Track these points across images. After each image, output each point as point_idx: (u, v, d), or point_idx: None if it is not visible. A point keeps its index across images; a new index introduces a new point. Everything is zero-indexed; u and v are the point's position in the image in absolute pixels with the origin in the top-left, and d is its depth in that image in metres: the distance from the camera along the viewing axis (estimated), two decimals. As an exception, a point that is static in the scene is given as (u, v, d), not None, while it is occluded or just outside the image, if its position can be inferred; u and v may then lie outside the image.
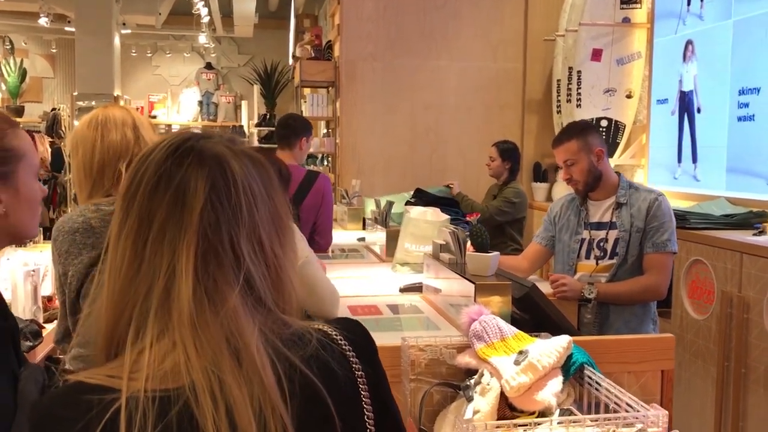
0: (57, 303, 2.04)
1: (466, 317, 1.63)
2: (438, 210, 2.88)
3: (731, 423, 2.98)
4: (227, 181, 0.83)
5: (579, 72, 4.96)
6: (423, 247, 2.73)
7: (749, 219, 3.36)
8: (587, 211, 2.74)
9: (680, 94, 4.28)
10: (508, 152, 4.47)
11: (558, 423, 1.32)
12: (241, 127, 10.79)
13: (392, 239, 3.07)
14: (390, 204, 3.38)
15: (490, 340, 1.58)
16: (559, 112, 5.35)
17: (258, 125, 9.72)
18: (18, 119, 7.78)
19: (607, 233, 2.67)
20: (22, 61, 10.29)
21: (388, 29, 5.50)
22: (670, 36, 4.41)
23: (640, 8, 4.90)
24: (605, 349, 1.70)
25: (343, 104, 5.53)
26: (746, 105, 3.63)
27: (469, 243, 2.12)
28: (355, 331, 0.91)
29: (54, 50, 10.82)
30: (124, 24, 9.67)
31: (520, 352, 1.49)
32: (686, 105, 4.22)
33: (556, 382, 1.45)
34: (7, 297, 2.25)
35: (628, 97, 4.97)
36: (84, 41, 8.64)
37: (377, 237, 3.46)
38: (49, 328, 2.48)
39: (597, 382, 1.46)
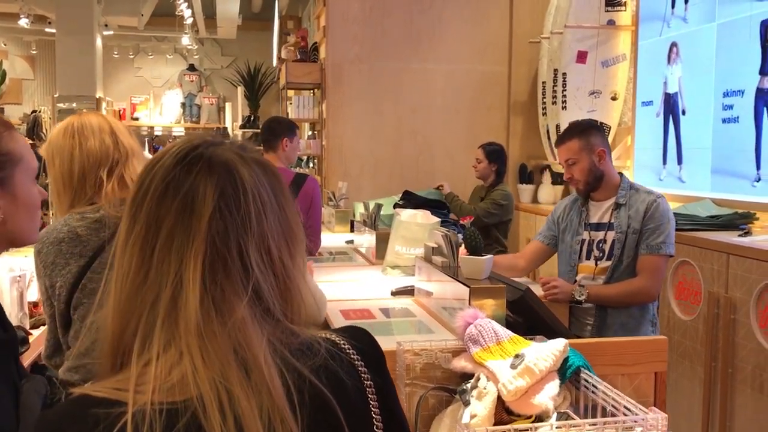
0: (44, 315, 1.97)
1: (461, 321, 1.62)
2: (428, 213, 2.88)
3: (719, 423, 3.00)
4: (236, 189, 0.81)
5: (564, 74, 4.99)
6: (413, 249, 2.73)
7: (735, 220, 3.39)
8: (587, 211, 2.75)
9: (665, 96, 4.31)
10: (495, 154, 4.47)
11: (557, 427, 1.31)
12: (225, 129, 10.74)
13: (382, 242, 3.06)
14: (379, 206, 3.37)
15: (486, 344, 1.58)
16: (544, 114, 5.38)
17: (242, 127, 9.67)
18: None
19: (605, 234, 2.67)
20: (1, 62, 10.18)
21: (374, 31, 5.50)
22: (655, 38, 4.44)
23: (625, 11, 4.93)
24: (600, 351, 1.70)
25: (329, 106, 5.51)
26: (730, 107, 3.66)
27: (461, 246, 2.12)
28: (362, 340, 0.90)
29: (34, 51, 10.70)
30: (106, 25, 9.58)
31: (517, 356, 1.49)
32: (671, 107, 4.25)
33: (553, 386, 1.45)
34: (-7, 303, 2.21)
35: (613, 99, 5.00)
36: (65, 42, 8.54)
37: (366, 239, 3.45)
38: (36, 334, 2.44)
39: (594, 385, 1.46)
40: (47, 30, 9.61)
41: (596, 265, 2.68)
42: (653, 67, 4.46)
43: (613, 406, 1.38)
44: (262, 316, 0.81)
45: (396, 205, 3.51)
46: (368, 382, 0.86)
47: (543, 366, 1.45)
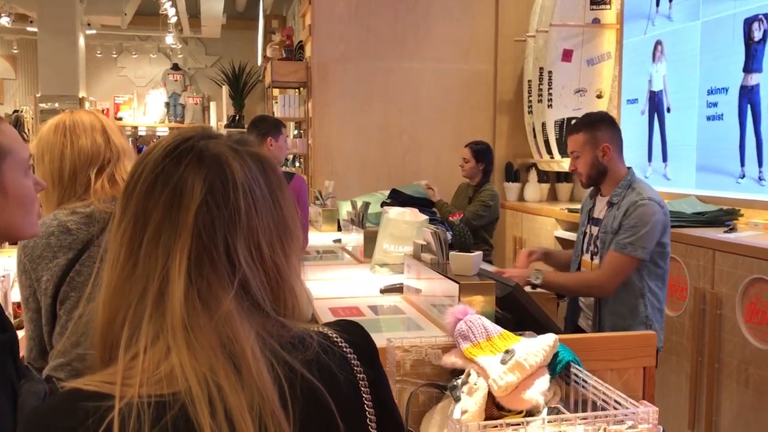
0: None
1: (451, 317, 1.62)
2: (416, 210, 2.88)
3: (705, 417, 3.03)
4: (226, 183, 0.80)
5: (550, 72, 5.01)
6: (402, 247, 2.73)
7: (720, 217, 3.42)
8: (593, 205, 2.74)
9: (650, 94, 4.34)
10: (482, 153, 4.47)
11: (549, 422, 1.31)
12: (211, 128, 10.68)
13: (370, 240, 3.05)
14: (366, 205, 3.37)
15: (476, 340, 1.58)
16: (530, 112, 5.39)
17: (227, 126, 9.62)
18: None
19: (598, 230, 2.66)
20: (-18, 62, 10.06)
21: (360, 30, 5.49)
22: (640, 36, 4.47)
23: (610, 9, 4.96)
24: (589, 346, 1.70)
25: (315, 105, 5.50)
26: (715, 104, 3.69)
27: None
28: (355, 333, 0.90)
29: (15, 51, 10.60)
30: (88, 24, 9.51)
31: (507, 352, 1.49)
32: (656, 105, 4.28)
33: (544, 381, 1.45)
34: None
35: (599, 97, 5.02)
36: (47, 42, 8.47)
37: (353, 238, 3.44)
38: (21, 334, 2.41)
39: (584, 380, 1.46)
40: (29, 29, 9.51)
41: (591, 260, 2.68)
42: (638, 65, 4.49)
43: (603, 400, 1.38)
44: (250, 310, 0.80)
45: (384, 204, 3.51)
46: (361, 375, 0.85)
47: (533, 361, 1.45)
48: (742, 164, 3.47)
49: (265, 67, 6.96)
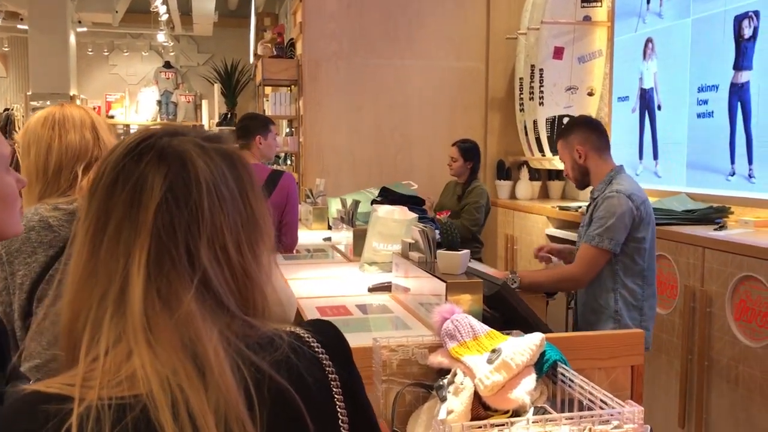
0: None
1: (438, 316, 1.61)
2: (406, 209, 2.86)
3: (695, 415, 3.02)
4: (188, 181, 0.79)
5: (541, 70, 5.00)
6: (391, 246, 2.71)
7: (710, 214, 3.42)
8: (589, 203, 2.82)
9: (641, 92, 4.34)
10: (470, 152, 4.46)
11: (534, 422, 1.30)
12: (202, 126, 10.66)
13: (359, 238, 3.03)
14: (356, 203, 3.35)
15: (463, 339, 1.57)
16: (522, 110, 5.39)
17: (219, 124, 9.60)
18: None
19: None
20: (-28, 60, 10.01)
21: (352, 28, 5.47)
22: (631, 34, 4.47)
23: (601, 6, 4.95)
24: (577, 345, 1.70)
25: (306, 103, 5.48)
26: (705, 102, 3.69)
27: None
28: (328, 334, 0.88)
29: (6, 48, 10.54)
30: (79, 22, 9.46)
31: (493, 351, 1.48)
32: (647, 102, 4.28)
33: (530, 380, 1.44)
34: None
35: (590, 94, 5.02)
36: (38, 39, 8.42)
37: (343, 236, 3.42)
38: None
39: (570, 380, 1.45)
40: (20, 27, 9.46)
41: None
42: (629, 63, 4.49)
43: (589, 400, 1.38)
44: (213, 310, 0.79)
45: (374, 202, 3.49)
46: (333, 376, 0.84)
47: (520, 360, 1.44)
48: (732, 162, 3.47)
49: (256, 64, 6.94)
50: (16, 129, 8.20)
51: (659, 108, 4.15)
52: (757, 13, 3.32)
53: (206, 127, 10.56)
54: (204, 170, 0.80)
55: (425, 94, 5.60)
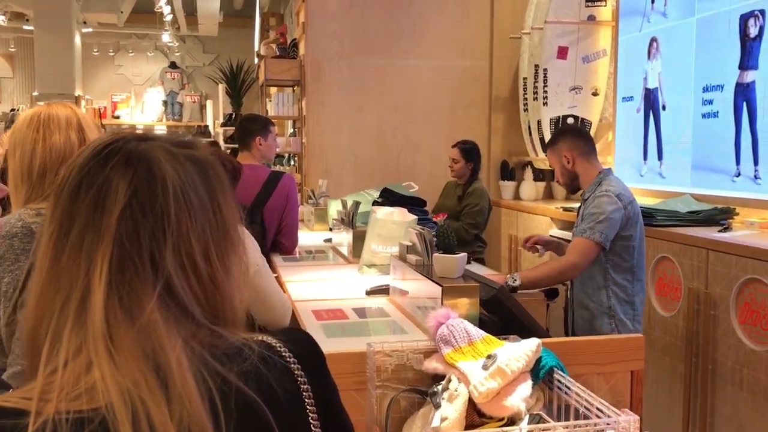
0: None
1: (433, 321, 1.58)
2: (405, 210, 2.84)
3: (699, 419, 2.99)
4: (154, 186, 0.77)
5: (545, 70, 4.96)
6: (390, 248, 2.68)
7: (714, 215, 3.38)
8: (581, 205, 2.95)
9: (645, 92, 4.30)
10: (471, 153, 4.44)
11: (527, 431, 1.28)
12: (207, 126, 10.67)
13: (359, 240, 3.01)
14: (356, 204, 3.33)
15: (458, 345, 1.54)
16: (525, 110, 5.35)
17: (224, 125, 9.60)
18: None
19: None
20: (-22, 60, 10.04)
21: (354, 27, 5.44)
22: (635, 33, 4.42)
23: (605, 6, 4.91)
24: (575, 350, 1.67)
25: (308, 103, 5.46)
26: (710, 102, 3.65)
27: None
28: (300, 343, 0.86)
29: (13, 49, 10.58)
30: (84, 22, 9.48)
31: (489, 357, 1.45)
32: (651, 102, 4.23)
33: (526, 387, 1.41)
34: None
35: (594, 94, 4.98)
36: (43, 40, 8.44)
37: (343, 238, 3.40)
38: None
39: (567, 386, 1.42)
40: (25, 27, 9.48)
41: None
42: (633, 63, 4.45)
43: (585, 407, 1.35)
44: (177, 318, 0.76)
45: (375, 203, 3.46)
46: (305, 387, 0.82)
47: (515, 367, 1.41)
48: (738, 162, 3.43)
49: (259, 65, 6.92)
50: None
51: (664, 108, 4.11)
52: (762, 12, 3.28)
53: (211, 128, 10.56)
54: (172, 176, 0.78)
55: (428, 94, 5.57)
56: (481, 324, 1.74)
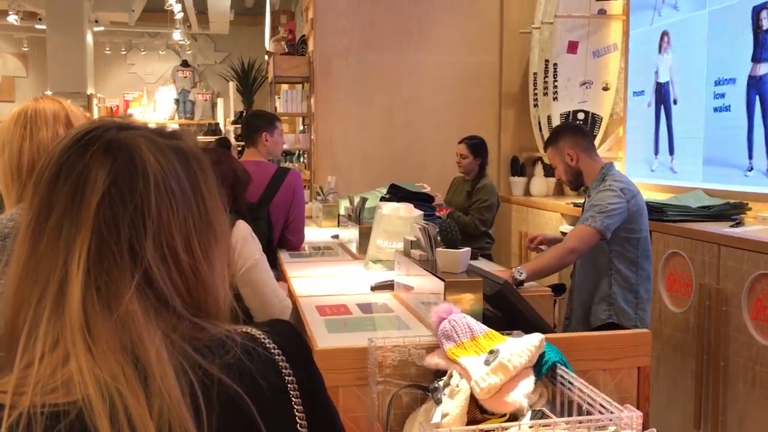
0: None
1: (435, 316, 1.57)
2: (411, 206, 2.82)
3: (711, 416, 2.95)
4: (134, 175, 0.75)
5: (555, 65, 4.92)
6: (396, 243, 2.67)
7: (726, 210, 3.33)
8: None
9: (656, 86, 4.25)
10: (479, 148, 4.41)
11: (528, 427, 1.26)
12: (217, 124, 10.69)
13: (365, 236, 3.00)
14: (363, 200, 3.31)
15: (460, 340, 1.53)
16: (536, 105, 5.31)
17: (234, 122, 9.61)
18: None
19: None
20: (-7, 60, 10.11)
21: (363, 23, 5.42)
22: (646, 27, 4.37)
23: (616, 0, 4.86)
24: (580, 346, 1.64)
25: (317, 100, 5.45)
26: (722, 95, 3.60)
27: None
28: (285, 334, 0.84)
29: (26, 48, 10.64)
30: (96, 21, 9.52)
31: (491, 352, 1.43)
32: (662, 96, 4.18)
33: (528, 383, 1.40)
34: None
35: (605, 89, 4.93)
36: (55, 39, 8.48)
37: (351, 234, 3.39)
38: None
39: (570, 382, 1.40)
40: (38, 27, 9.54)
41: None
42: (644, 57, 4.40)
43: (588, 403, 1.32)
44: (157, 310, 0.75)
45: (382, 199, 3.45)
46: (290, 378, 0.80)
47: (517, 362, 1.39)
48: (750, 157, 3.38)
49: (268, 62, 6.92)
50: (35, 128, 8.26)
51: (675, 102, 4.06)
52: (775, 4, 3.23)
53: (222, 125, 10.58)
54: (153, 165, 0.76)
55: (438, 90, 5.54)
56: (485, 319, 1.72)
